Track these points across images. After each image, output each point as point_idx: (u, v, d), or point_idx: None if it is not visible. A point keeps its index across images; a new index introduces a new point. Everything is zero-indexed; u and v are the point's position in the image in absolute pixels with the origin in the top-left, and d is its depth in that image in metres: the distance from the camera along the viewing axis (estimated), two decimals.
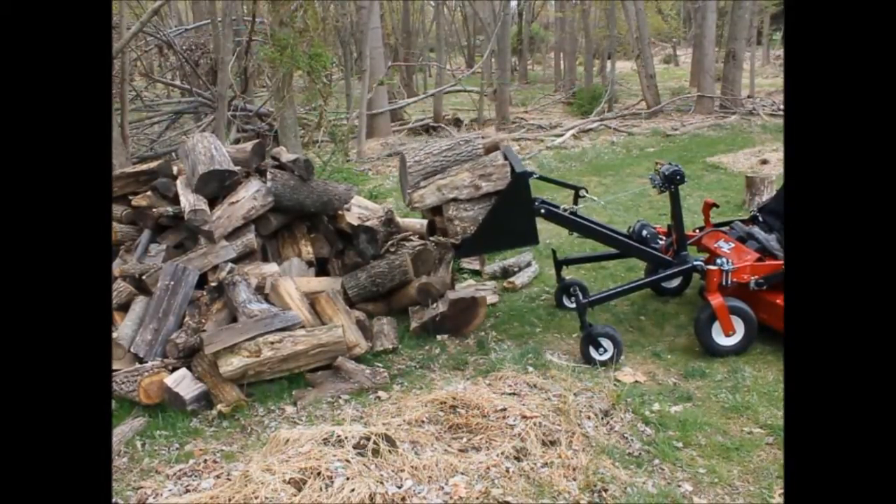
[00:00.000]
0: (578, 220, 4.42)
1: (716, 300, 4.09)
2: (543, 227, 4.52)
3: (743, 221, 4.93)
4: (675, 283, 5.20)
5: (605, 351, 4.11)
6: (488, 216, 4.15)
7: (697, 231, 4.97)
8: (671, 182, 4.42)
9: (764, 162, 9.74)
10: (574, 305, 4.83)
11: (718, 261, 4.26)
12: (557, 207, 4.37)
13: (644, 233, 4.55)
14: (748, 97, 16.56)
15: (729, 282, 4.15)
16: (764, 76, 22.85)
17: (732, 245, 4.55)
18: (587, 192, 4.92)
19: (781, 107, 15.03)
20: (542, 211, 4.26)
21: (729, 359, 4.12)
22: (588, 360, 4.14)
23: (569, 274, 5.38)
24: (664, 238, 4.75)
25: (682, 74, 23.87)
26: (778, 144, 10.91)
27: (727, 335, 4.15)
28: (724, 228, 4.91)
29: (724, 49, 17.19)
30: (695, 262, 4.35)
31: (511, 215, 4.14)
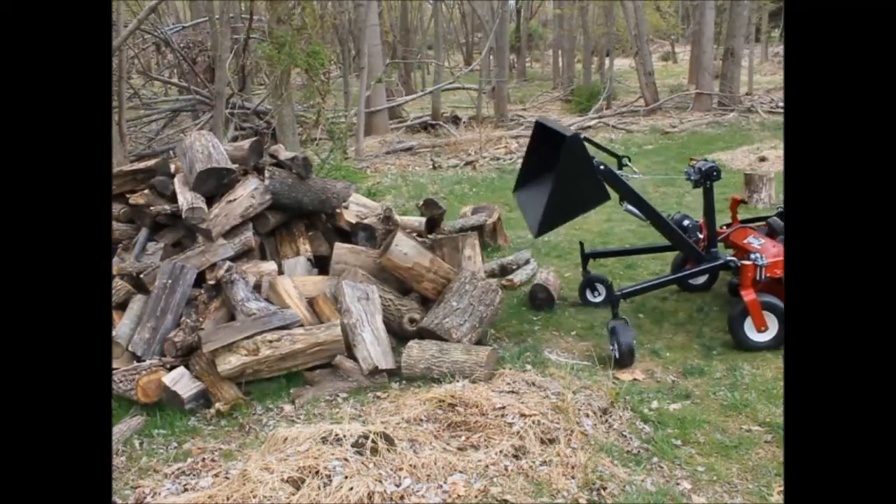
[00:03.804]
0: (632, 189, 4.29)
1: (749, 296, 4.03)
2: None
3: (762, 219, 4.89)
4: (702, 279, 5.15)
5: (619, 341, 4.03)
6: (555, 191, 4.02)
7: (724, 228, 4.93)
8: (707, 178, 4.36)
9: (762, 159, 9.74)
10: (597, 300, 4.80)
11: (752, 256, 4.20)
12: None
13: (686, 223, 4.44)
14: (747, 94, 16.59)
15: (763, 276, 4.12)
16: (762, 73, 22.87)
17: (762, 241, 4.50)
18: (629, 160, 4.77)
19: (780, 104, 15.03)
20: (602, 167, 4.14)
21: (728, 356, 4.12)
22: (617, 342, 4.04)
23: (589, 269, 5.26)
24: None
25: (681, 72, 23.88)
26: (776, 141, 10.90)
27: (759, 331, 4.12)
28: (757, 224, 4.86)
29: (722, 46, 17.19)
30: (727, 259, 4.31)
31: (575, 181, 4.00)
